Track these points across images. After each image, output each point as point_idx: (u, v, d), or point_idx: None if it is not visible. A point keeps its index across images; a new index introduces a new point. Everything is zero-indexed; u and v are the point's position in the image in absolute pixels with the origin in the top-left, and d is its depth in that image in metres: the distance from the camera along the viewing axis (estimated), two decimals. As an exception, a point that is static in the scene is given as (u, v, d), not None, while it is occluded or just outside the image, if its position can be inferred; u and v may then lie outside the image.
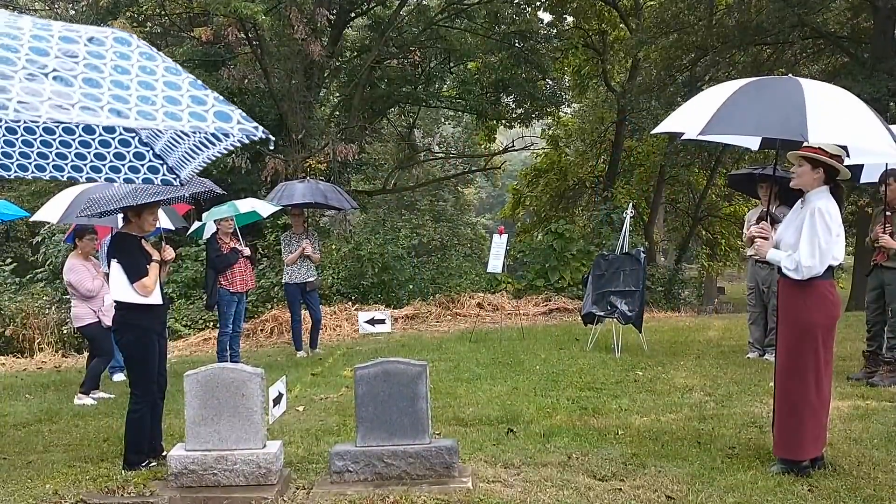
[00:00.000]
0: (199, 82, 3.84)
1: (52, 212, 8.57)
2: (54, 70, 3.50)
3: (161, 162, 5.41)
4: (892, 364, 7.22)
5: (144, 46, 3.89)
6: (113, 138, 5.22)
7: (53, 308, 13.97)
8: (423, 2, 23.48)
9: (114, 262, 5.41)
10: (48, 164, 5.32)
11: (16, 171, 5.35)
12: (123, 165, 5.39)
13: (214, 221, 9.37)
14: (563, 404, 6.80)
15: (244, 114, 3.80)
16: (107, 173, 5.41)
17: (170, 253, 5.75)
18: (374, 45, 21.07)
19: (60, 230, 14.54)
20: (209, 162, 5.26)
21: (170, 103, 3.65)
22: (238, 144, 4.61)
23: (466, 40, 22.61)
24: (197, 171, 5.43)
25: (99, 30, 3.90)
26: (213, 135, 4.55)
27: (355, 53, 23.25)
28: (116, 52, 3.75)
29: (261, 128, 3.76)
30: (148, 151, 5.35)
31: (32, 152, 5.25)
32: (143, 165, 5.42)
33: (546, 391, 7.39)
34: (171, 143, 5.17)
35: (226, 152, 5.12)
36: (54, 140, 5.16)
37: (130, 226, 5.55)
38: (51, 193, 13.13)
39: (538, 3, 23.86)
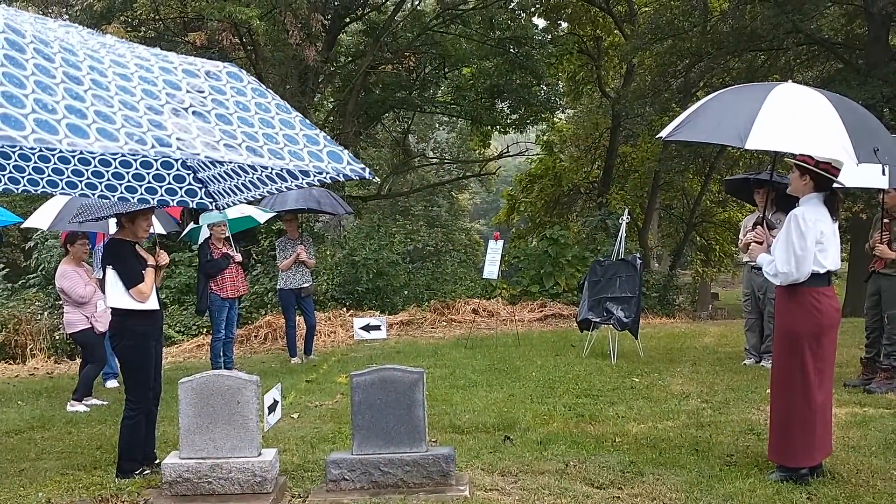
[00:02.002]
0: (308, 121, 3.90)
1: (42, 218, 8.52)
2: (191, 105, 3.52)
3: (201, 185, 5.41)
4: (890, 371, 7.22)
5: (254, 82, 3.96)
6: (156, 160, 5.17)
7: (46, 314, 13.87)
8: (419, 7, 23.49)
9: (109, 269, 5.37)
10: (81, 181, 5.23)
11: (44, 187, 5.27)
12: (161, 187, 5.37)
13: (207, 226, 9.34)
14: (559, 411, 6.78)
15: (352, 154, 3.86)
16: (142, 194, 5.36)
17: (164, 257, 5.72)
18: (368, 51, 21.07)
19: (53, 235, 14.46)
20: (255, 199, 5.31)
21: (290, 142, 3.71)
22: (317, 183, 4.64)
23: (461, 46, 22.60)
24: (239, 203, 5.43)
25: (213, 64, 3.96)
26: (288, 171, 4.56)
27: (350, 58, 23.23)
28: (234, 88, 3.81)
29: (367, 169, 3.82)
30: (189, 175, 5.34)
31: (67, 169, 5.14)
32: (181, 188, 5.40)
33: (542, 398, 7.36)
34: (225, 174, 5.17)
35: (275, 193, 5.16)
36: (94, 158, 5.07)
37: (124, 232, 5.51)
38: (43, 199, 13.05)
39: (533, 9, 23.86)
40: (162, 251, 5.71)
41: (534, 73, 22.67)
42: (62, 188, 5.27)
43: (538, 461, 5.31)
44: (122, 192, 5.31)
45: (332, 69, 21.91)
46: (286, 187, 4.93)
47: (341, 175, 3.92)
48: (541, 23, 25.51)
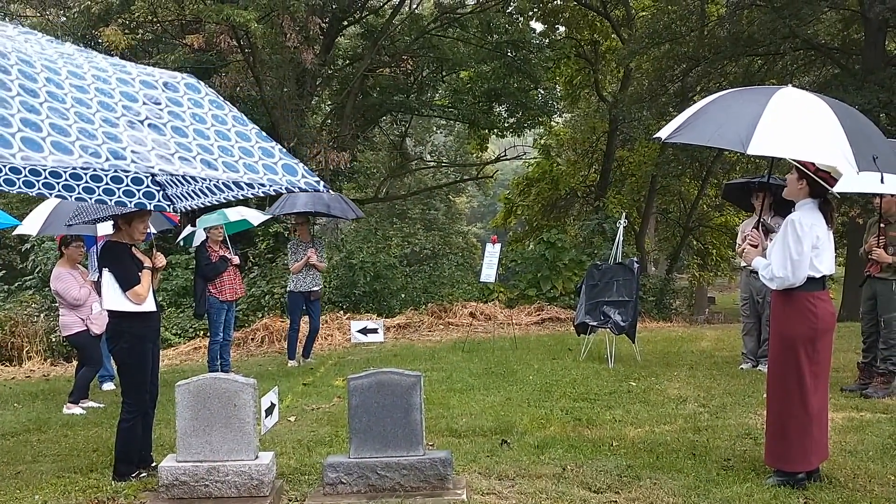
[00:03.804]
0: (264, 133, 3.91)
1: (31, 225, 8.51)
2: (147, 118, 3.53)
3: (159, 188, 5.42)
4: (886, 375, 7.22)
5: (212, 94, 3.96)
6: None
7: (42, 316, 13.86)
8: (416, 11, 23.51)
9: (105, 271, 5.36)
10: (38, 181, 5.23)
11: (3, 185, 5.27)
12: (119, 189, 5.36)
13: (204, 229, 9.34)
14: (556, 415, 6.77)
15: (306, 167, 3.89)
16: (99, 195, 5.36)
17: (161, 260, 5.71)
18: (366, 54, 21.08)
19: (49, 237, 14.44)
20: (212, 204, 5.33)
21: (245, 155, 3.71)
22: (262, 194, 4.68)
23: (459, 49, 22.62)
24: (196, 208, 5.45)
25: (171, 74, 3.97)
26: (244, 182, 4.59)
27: (348, 62, 23.25)
28: (191, 100, 3.81)
29: (322, 182, 3.84)
30: (147, 178, 5.35)
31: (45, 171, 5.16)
32: (139, 190, 5.41)
33: (540, 402, 7.35)
34: (181, 179, 5.20)
35: (238, 199, 5.21)
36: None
37: (120, 234, 5.50)
38: (39, 201, 13.01)
39: (531, 13, 23.90)
40: (158, 253, 5.71)
41: (531, 76, 22.71)
42: (18, 186, 5.28)
43: (535, 465, 5.31)
44: (79, 193, 5.32)
45: (329, 72, 21.92)
46: (241, 195, 4.99)
47: (296, 188, 3.93)
48: (538, 27, 25.58)
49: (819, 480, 4.77)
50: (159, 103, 3.64)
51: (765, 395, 5.05)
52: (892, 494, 4.57)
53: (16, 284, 16.20)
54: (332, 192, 10.49)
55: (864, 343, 7.57)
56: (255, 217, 10.42)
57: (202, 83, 4.01)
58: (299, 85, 19.35)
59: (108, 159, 3.14)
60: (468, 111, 24.10)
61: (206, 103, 3.85)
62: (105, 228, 7.12)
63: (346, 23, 22.29)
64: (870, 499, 4.50)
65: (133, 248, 5.55)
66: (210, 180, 4.98)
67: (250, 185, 4.72)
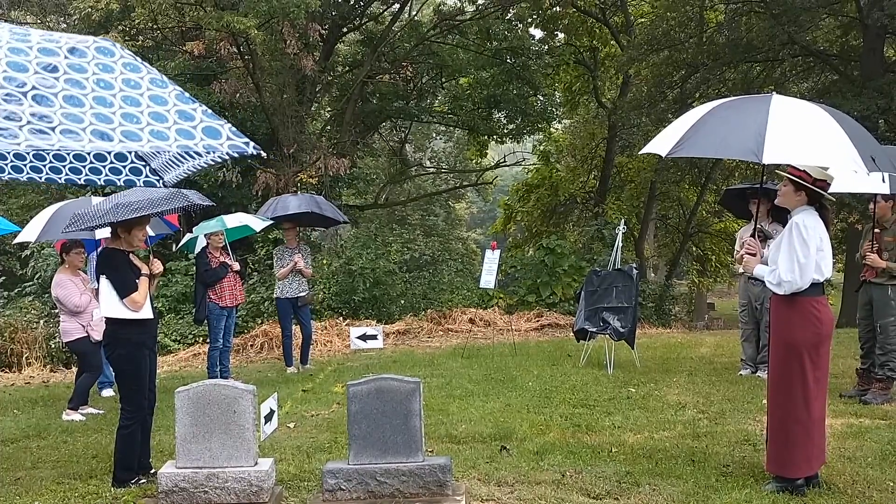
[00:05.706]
0: (187, 95, 3.73)
1: (30, 232, 8.53)
2: (33, 88, 3.39)
3: (144, 164, 5.37)
4: (885, 381, 7.23)
5: (129, 57, 3.76)
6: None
7: (42, 322, 13.85)
8: (416, 18, 23.57)
9: (103, 279, 5.36)
10: (25, 165, 5.23)
11: (10, 174, 5.26)
12: (104, 167, 5.31)
13: (204, 235, 9.34)
14: (556, 421, 6.78)
15: (234, 128, 3.67)
16: (87, 175, 5.32)
17: (158, 266, 5.70)
18: (366, 60, 21.12)
19: (49, 244, 14.45)
20: (200, 169, 5.23)
21: (156, 120, 3.53)
22: (230, 157, 4.53)
23: (458, 56, 22.66)
24: (184, 176, 5.37)
25: (81, 39, 3.77)
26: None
27: (347, 68, 23.29)
28: (99, 65, 3.63)
29: (251, 143, 3.65)
30: (130, 153, 5.30)
31: (29, 154, 5.15)
32: (125, 167, 5.35)
33: (539, 408, 7.36)
34: (156, 149, 5.13)
35: (219, 162, 5.10)
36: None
37: (119, 241, 5.50)
38: (40, 207, 13.03)
39: (530, 20, 23.94)
40: (156, 260, 5.69)
41: (531, 83, 22.76)
42: (27, 174, 5.26)
43: (535, 471, 5.31)
44: (66, 174, 5.29)
45: (329, 79, 21.97)
46: (212, 160, 4.86)
47: (219, 153, 3.77)
48: (538, 33, 25.59)
49: (818, 486, 4.78)
50: (56, 71, 3.48)
51: (764, 402, 5.05)
52: (890, 500, 4.58)
53: (15, 291, 16.19)
54: (318, 196, 10.47)
55: (862, 349, 7.57)
56: (257, 223, 10.40)
57: (118, 45, 3.81)
58: (299, 91, 19.39)
59: None
60: (468, 117, 24.14)
61: (118, 67, 3.66)
62: (103, 233, 7.13)
63: (345, 29, 22.36)
64: (868, 505, 4.52)
65: (131, 254, 5.56)
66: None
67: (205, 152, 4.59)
